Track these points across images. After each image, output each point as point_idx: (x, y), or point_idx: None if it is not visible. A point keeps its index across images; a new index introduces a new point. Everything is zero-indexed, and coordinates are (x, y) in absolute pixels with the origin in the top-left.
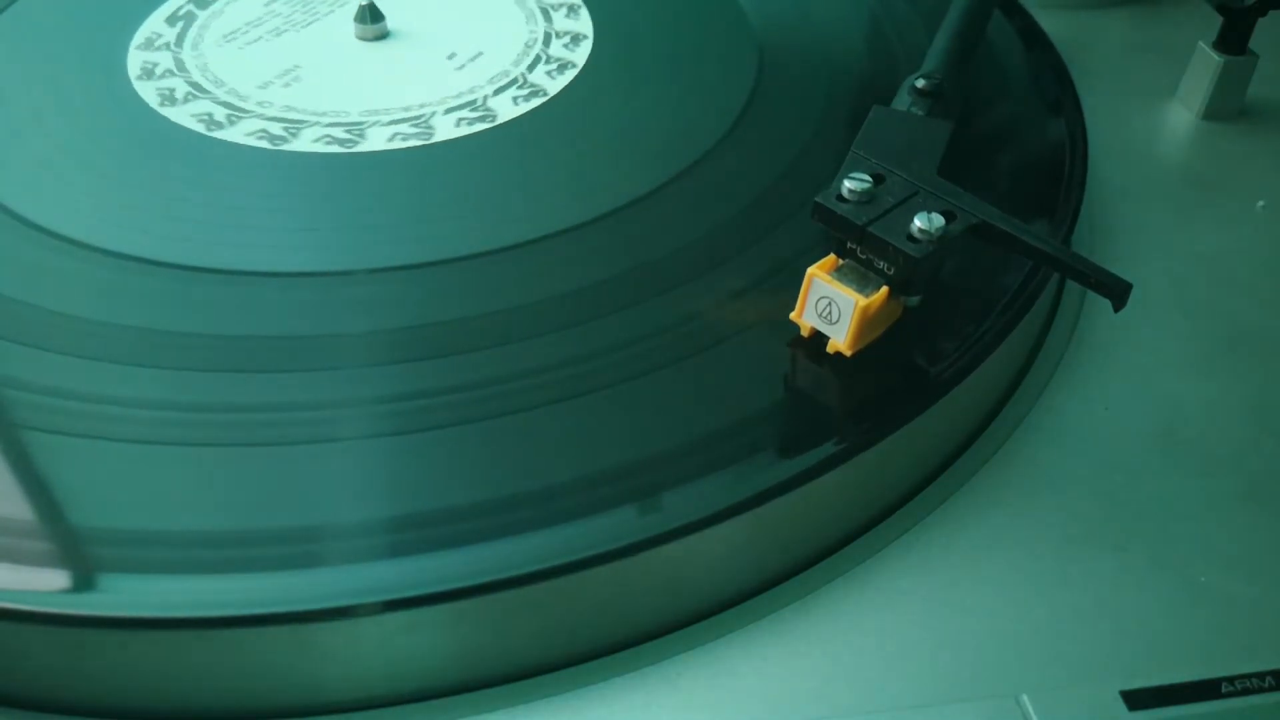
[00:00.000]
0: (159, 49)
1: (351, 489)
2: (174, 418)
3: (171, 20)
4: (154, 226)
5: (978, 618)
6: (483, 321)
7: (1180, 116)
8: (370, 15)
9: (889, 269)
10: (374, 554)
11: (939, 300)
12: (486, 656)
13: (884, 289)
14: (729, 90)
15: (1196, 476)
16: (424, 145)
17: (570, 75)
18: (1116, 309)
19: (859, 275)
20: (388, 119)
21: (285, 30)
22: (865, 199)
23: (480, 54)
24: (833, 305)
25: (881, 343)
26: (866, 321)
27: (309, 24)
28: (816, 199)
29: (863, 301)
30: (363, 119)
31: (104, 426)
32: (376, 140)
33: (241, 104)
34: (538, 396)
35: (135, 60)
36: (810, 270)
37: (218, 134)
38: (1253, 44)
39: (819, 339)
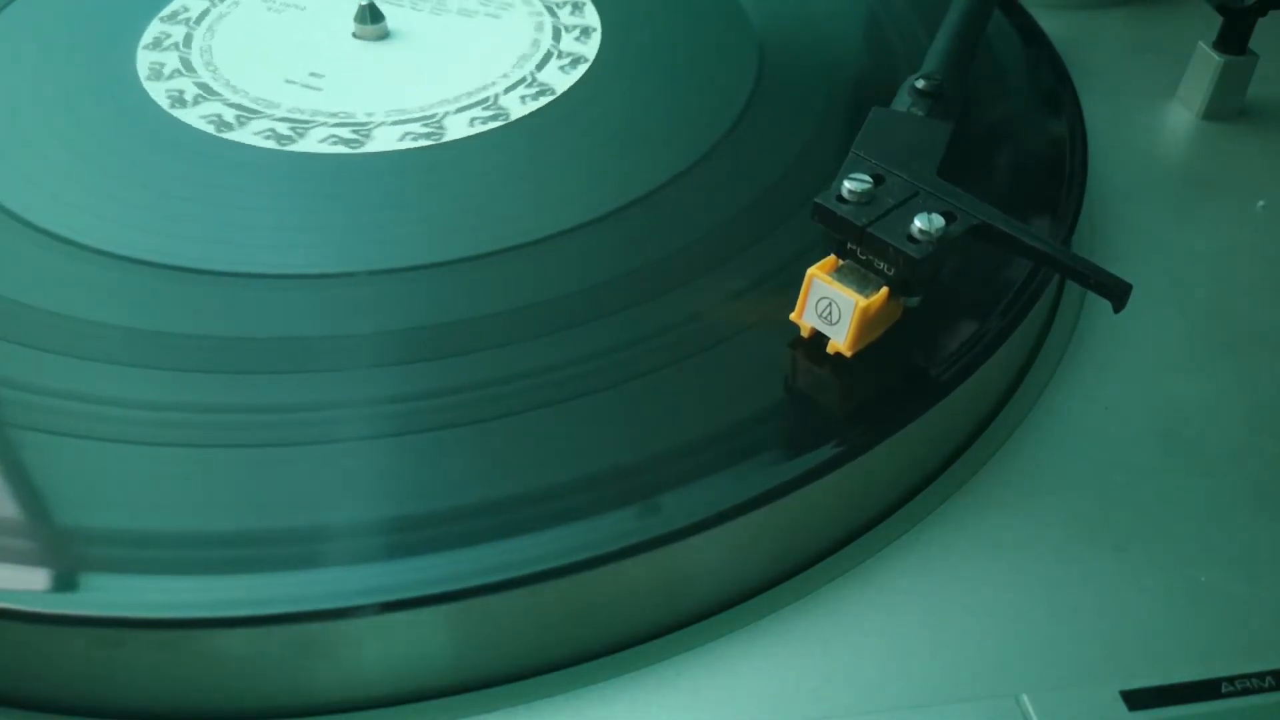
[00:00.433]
0: (166, 49)
1: (351, 490)
2: (174, 418)
3: (178, 20)
4: (160, 228)
5: (978, 618)
6: (481, 322)
7: (1180, 116)
8: (370, 15)
9: (889, 270)
10: (374, 554)
11: (939, 301)
12: (486, 657)
13: (884, 290)
14: (729, 91)
15: (1196, 476)
16: (434, 145)
17: (581, 70)
18: (1116, 310)
19: (859, 276)
20: (397, 119)
21: (293, 29)
22: (865, 200)
23: (487, 53)
24: (833, 306)
25: (881, 343)
26: (866, 322)
27: (316, 24)
28: (816, 200)
29: (863, 302)
30: (369, 119)
31: (104, 427)
32: (386, 140)
33: (251, 104)
34: (536, 397)
35: (143, 60)
36: (810, 271)
37: (228, 135)
38: (1253, 44)
39: (819, 339)
